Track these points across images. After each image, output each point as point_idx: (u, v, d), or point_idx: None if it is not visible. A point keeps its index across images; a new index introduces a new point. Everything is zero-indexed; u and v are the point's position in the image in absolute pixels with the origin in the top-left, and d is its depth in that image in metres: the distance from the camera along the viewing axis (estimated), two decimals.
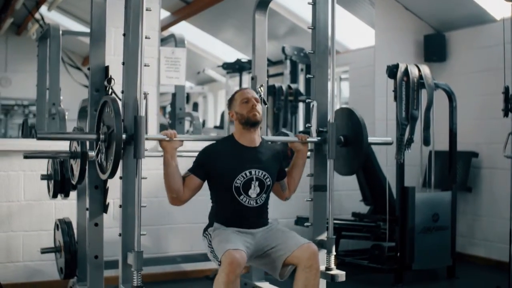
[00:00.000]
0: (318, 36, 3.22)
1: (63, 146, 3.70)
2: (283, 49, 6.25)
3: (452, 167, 4.58)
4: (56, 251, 3.66)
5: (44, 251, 3.66)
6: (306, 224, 3.22)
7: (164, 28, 7.00)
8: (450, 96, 4.59)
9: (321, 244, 3.11)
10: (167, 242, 4.42)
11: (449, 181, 4.58)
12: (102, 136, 2.76)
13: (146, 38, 2.72)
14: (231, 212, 2.89)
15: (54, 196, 3.48)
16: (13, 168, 3.98)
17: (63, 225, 3.55)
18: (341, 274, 3.03)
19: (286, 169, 3.13)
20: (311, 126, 3.17)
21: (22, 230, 4.01)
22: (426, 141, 4.34)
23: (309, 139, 3.11)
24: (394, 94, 4.26)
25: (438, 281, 4.55)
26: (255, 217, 2.92)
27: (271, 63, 7.09)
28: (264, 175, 2.90)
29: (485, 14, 5.14)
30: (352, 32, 6.34)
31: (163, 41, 5.21)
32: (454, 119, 4.58)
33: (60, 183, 3.44)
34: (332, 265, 3.06)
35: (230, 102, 3.01)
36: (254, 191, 2.88)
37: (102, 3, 3.18)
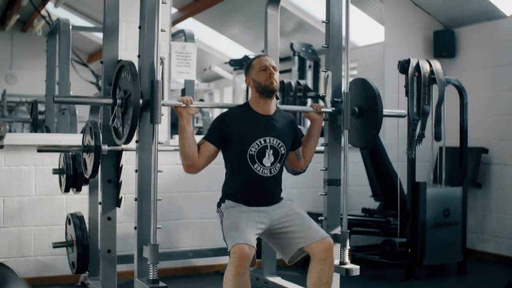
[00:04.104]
0: (332, 31, 3.23)
1: (75, 141, 3.70)
2: (291, 46, 6.24)
3: (463, 162, 4.56)
4: (68, 246, 3.66)
5: (56, 245, 3.67)
6: (319, 218, 3.22)
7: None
8: (461, 91, 4.57)
9: (335, 238, 3.11)
10: (178, 237, 4.42)
11: (459, 177, 4.56)
12: (118, 101, 2.75)
13: (162, 31, 2.72)
14: (244, 182, 2.86)
15: (66, 190, 3.48)
16: (25, 162, 3.98)
17: (75, 220, 3.55)
18: (355, 268, 3.04)
19: (302, 139, 3.12)
20: (325, 96, 3.17)
21: (33, 225, 4.01)
22: (437, 136, 4.32)
23: (324, 110, 3.12)
24: (405, 89, 4.24)
25: (449, 277, 4.54)
26: (268, 189, 2.89)
27: (279, 59, 7.06)
28: (279, 143, 2.88)
29: (495, 10, 5.11)
30: (360, 29, 6.32)
31: (173, 36, 5.20)
32: (465, 115, 4.56)
33: (72, 177, 3.44)
34: (346, 259, 3.07)
35: (248, 68, 2.98)
36: (268, 159, 2.86)
37: None
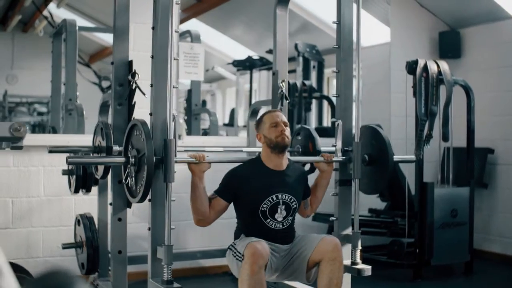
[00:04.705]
0: (343, 31, 3.23)
1: (83, 141, 3.70)
2: (295, 46, 6.24)
3: (470, 162, 4.57)
4: (77, 247, 3.65)
5: (66, 246, 3.66)
6: (331, 218, 3.22)
7: None
8: (468, 92, 4.58)
9: (346, 239, 3.12)
10: (186, 238, 4.42)
11: (466, 177, 4.57)
12: (132, 160, 2.72)
13: (175, 32, 2.72)
14: (257, 233, 2.85)
15: (76, 191, 3.47)
16: (33, 163, 3.97)
17: (85, 220, 3.54)
18: (367, 268, 3.03)
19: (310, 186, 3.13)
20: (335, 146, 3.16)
21: (42, 226, 4.00)
22: (445, 137, 4.33)
23: (334, 159, 3.11)
24: (413, 90, 4.25)
25: (456, 277, 4.55)
26: (281, 238, 2.90)
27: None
28: (291, 199, 2.89)
29: (500, 10, 5.13)
30: (364, 29, 6.33)
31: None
32: (472, 116, 4.58)
33: (82, 178, 3.42)
34: (358, 260, 3.06)
35: (258, 124, 2.98)
36: (280, 214, 2.87)
37: None
